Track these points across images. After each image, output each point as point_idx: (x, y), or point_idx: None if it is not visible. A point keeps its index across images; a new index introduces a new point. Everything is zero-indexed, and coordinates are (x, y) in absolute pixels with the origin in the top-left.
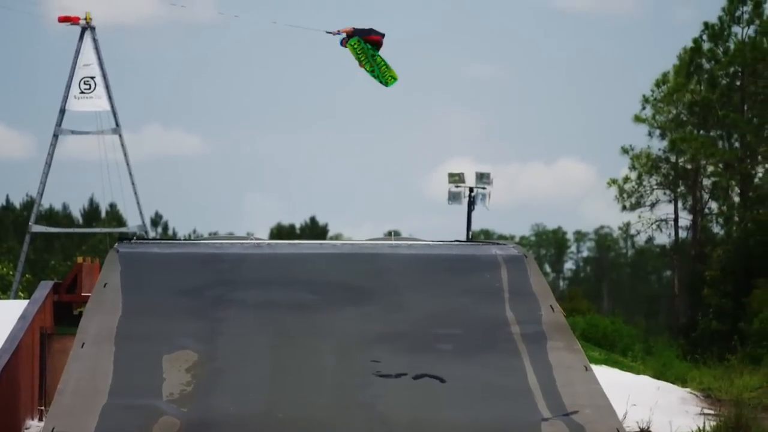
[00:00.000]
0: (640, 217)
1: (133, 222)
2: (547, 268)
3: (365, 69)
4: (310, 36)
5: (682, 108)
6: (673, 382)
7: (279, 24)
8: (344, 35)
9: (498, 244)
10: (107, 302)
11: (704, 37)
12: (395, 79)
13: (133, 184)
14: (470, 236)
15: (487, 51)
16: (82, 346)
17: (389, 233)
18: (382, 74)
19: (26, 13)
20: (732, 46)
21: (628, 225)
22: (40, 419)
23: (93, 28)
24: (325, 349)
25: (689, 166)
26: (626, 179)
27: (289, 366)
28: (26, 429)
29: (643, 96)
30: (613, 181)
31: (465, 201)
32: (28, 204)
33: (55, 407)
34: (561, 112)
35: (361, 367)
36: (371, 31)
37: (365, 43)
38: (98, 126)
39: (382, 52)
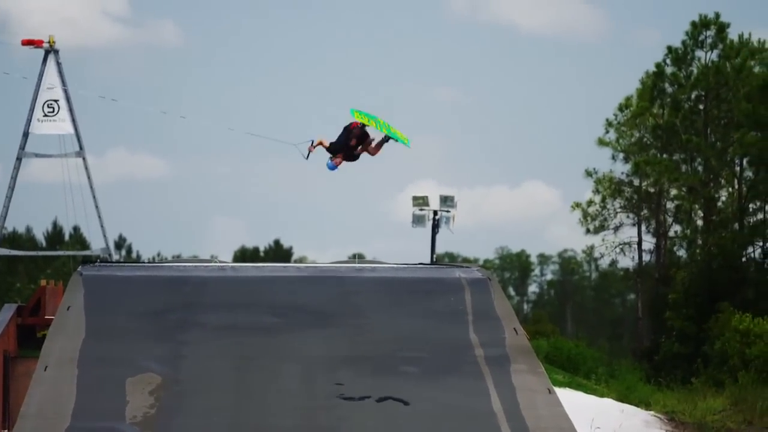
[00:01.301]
0: (603, 240)
1: (96, 245)
2: (511, 291)
3: (379, 129)
4: (277, 59)
5: (646, 132)
6: (636, 405)
7: (236, 131)
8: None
9: (462, 267)
10: (70, 325)
11: (667, 61)
12: (408, 140)
13: (96, 207)
14: (434, 259)
15: (451, 75)
16: (45, 370)
17: (354, 256)
18: (395, 133)
19: None
20: (695, 71)
21: (591, 248)
22: None
23: (56, 51)
24: (289, 372)
25: (652, 190)
26: (590, 202)
27: (253, 389)
28: None
29: (607, 120)
30: (577, 205)
31: (429, 224)
32: None
33: (18, 430)
34: (525, 135)
35: (325, 390)
36: (348, 129)
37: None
38: (62, 149)
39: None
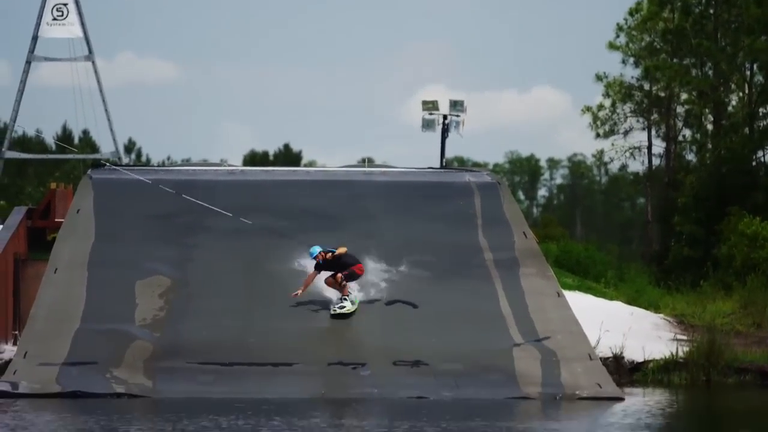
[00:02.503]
0: (613, 144)
1: (106, 148)
2: (521, 195)
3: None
4: None
5: (656, 36)
6: (646, 308)
7: None
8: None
9: (472, 171)
10: (80, 228)
11: None
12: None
13: (106, 110)
14: (444, 163)
15: None
16: (55, 272)
17: (363, 160)
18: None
19: None
20: None
21: (601, 152)
22: (14, 344)
23: None
24: (298, 275)
25: (663, 94)
26: (600, 107)
27: (261, 292)
28: (0, 353)
29: (617, 24)
30: (587, 109)
31: (439, 128)
32: (1, 130)
33: (28, 332)
34: (535, 39)
35: (334, 293)
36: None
37: None
38: (71, 53)
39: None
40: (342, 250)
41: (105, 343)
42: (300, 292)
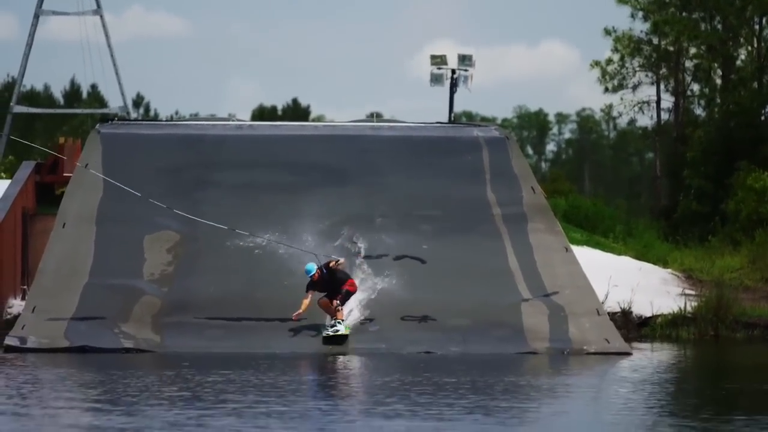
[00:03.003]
0: (622, 99)
1: (114, 103)
2: (529, 150)
3: None
4: None
5: None
6: (654, 263)
7: None
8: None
9: (480, 126)
10: (88, 183)
11: None
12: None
13: (114, 65)
14: (452, 118)
15: None
16: (63, 227)
17: (371, 115)
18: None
19: None
20: None
21: (610, 107)
22: (23, 298)
23: None
24: (306, 229)
25: (672, 48)
26: (609, 61)
27: (269, 246)
28: (9, 308)
29: None
30: (596, 63)
31: (447, 83)
32: (9, 85)
33: (36, 287)
34: None
35: (342, 248)
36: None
37: None
38: (79, 7)
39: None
40: (341, 262)
41: (113, 298)
42: (301, 312)
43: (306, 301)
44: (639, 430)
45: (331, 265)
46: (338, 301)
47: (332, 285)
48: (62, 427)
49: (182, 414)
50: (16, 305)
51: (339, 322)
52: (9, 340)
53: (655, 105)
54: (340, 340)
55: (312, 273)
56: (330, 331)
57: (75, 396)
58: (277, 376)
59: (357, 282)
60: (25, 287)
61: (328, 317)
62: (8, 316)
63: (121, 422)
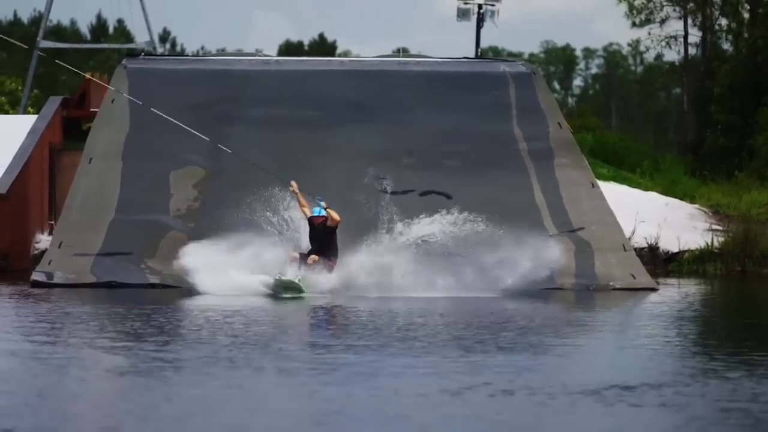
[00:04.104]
0: (649, 33)
1: (141, 38)
2: (556, 86)
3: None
4: None
5: None
6: (681, 199)
7: None
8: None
9: (507, 61)
10: (115, 118)
11: None
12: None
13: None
14: (479, 53)
15: None
16: (89, 162)
17: (398, 50)
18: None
19: None
20: None
21: (637, 42)
22: (50, 233)
23: None
24: (331, 165)
25: None
26: None
27: (295, 182)
28: (36, 243)
29: None
30: None
31: (474, 18)
32: (36, 19)
33: (63, 222)
34: None
35: (368, 184)
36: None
37: None
38: None
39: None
40: (316, 259)
41: (139, 234)
42: (294, 187)
43: (302, 203)
44: (663, 366)
45: (328, 224)
46: (315, 261)
47: (320, 242)
48: (88, 363)
49: (204, 349)
50: (44, 240)
51: (300, 279)
52: (36, 276)
53: (682, 40)
54: (293, 289)
55: (320, 214)
56: (283, 277)
57: (101, 332)
58: (308, 304)
59: (384, 222)
60: (52, 222)
61: (291, 268)
62: (36, 252)
63: (148, 358)
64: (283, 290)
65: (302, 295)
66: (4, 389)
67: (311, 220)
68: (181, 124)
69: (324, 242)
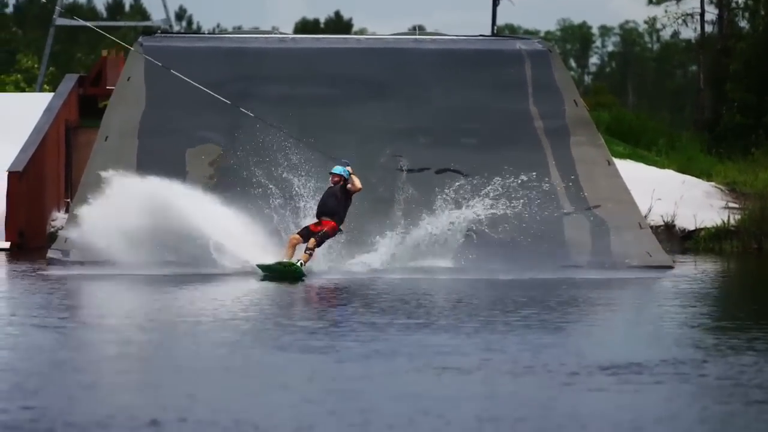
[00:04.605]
0: (666, 11)
1: (157, 15)
2: (572, 63)
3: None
4: None
5: None
6: (697, 177)
7: None
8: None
9: (522, 38)
10: (131, 96)
11: None
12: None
13: None
14: (495, 31)
15: None
16: (105, 140)
17: (414, 28)
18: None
19: None
20: None
21: (654, 19)
22: (66, 211)
23: None
24: (347, 143)
25: None
26: None
27: (311, 159)
28: (53, 220)
29: None
30: None
31: None
32: None
33: (79, 200)
34: None
35: (384, 162)
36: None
37: None
38: None
39: None
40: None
41: None
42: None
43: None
44: (680, 343)
45: (348, 187)
46: (313, 243)
47: (334, 207)
48: (103, 340)
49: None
50: (60, 218)
51: (300, 263)
52: (52, 254)
53: (698, 17)
54: (291, 274)
55: (339, 172)
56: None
57: (115, 310)
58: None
59: (399, 202)
60: (68, 200)
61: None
62: (52, 230)
63: (163, 336)
64: (282, 274)
65: (302, 278)
66: (26, 365)
67: (331, 178)
68: (201, 87)
69: (334, 204)
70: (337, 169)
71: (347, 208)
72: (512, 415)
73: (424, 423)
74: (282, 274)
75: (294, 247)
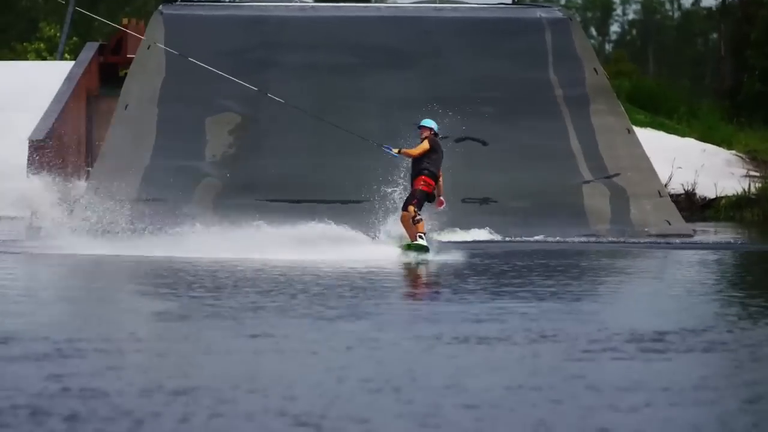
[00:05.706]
0: None
1: None
2: (593, 32)
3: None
4: None
5: None
6: (718, 145)
7: None
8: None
9: (543, 6)
10: (151, 64)
11: None
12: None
13: None
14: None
15: None
16: (125, 108)
17: None
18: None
19: None
20: None
21: None
22: (87, 179)
23: None
24: (367, 112)
25: None
26: None
27: (331, 129)
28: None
29: None
30: None
31: None
32: None
33: (99, 168)
34: None
35: (403, 130)
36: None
37: None
38: None
39: None
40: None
41: (175, 181)
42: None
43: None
44: (698, 314)
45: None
46: (416, 210)
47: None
48: (122, 310)
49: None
50: (81, 186)
51: (421, 236)
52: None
53: None
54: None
55: (428, 125)
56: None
57: (134, 279)
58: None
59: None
60: (89, 169)
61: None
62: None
63: (180, 306)
64: (418, 251)
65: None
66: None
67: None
68: (220, 72)
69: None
70: (426, 122)
71: (420, 166)
72: (544, 383)
73: (448, 394)
74: (418, 251)
75: (408, 222)
